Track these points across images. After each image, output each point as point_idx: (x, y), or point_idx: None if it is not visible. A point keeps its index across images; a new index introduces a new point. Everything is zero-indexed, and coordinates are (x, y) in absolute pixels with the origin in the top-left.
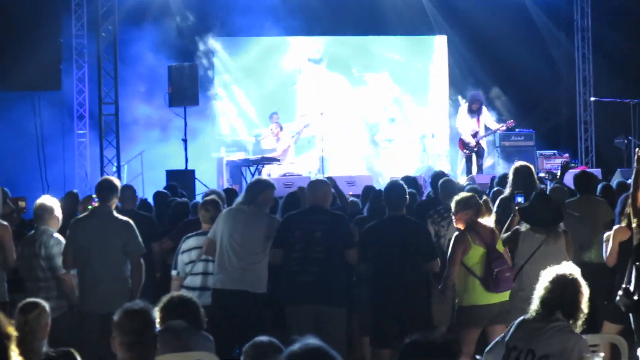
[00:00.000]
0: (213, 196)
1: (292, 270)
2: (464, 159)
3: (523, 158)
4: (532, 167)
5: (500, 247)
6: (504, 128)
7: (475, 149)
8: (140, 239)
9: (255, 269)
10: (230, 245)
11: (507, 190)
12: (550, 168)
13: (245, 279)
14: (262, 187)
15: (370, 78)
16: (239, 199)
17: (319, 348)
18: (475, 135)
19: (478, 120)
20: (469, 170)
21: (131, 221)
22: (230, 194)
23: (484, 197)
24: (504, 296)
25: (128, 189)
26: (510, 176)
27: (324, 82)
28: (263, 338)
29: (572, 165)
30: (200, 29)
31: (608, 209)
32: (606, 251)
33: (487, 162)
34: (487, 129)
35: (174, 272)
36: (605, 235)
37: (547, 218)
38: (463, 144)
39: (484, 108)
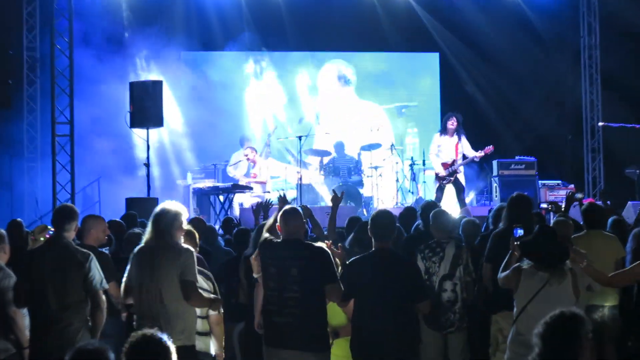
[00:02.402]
0: (189, 226)
1: (269, 309)
2: (436, 189)
3: (524, 189)
4: (531, 199)
5: None
6: (482, 155)
7: (451, 179)
8: (101, 273)
9: (180, 318)
10: (148, 291)
11: (500, 225)
12: (554, 199)
13: (181, 333)
14: (172, 217)
15: (354, 99)
16: (146, 234)
17: None
18: (452, 164)
19: (456, 147)
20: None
21: (92, 253)
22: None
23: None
24: None
25: (95, 221)
26: (506, 209)
27: (302, 102)
28: None
29: (579, 196)
30: (165, 42)
31: (619, 246)
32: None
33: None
34: (464, 157)
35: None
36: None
37: (551, 255)
38: (436, 172)
39: (463, 136)
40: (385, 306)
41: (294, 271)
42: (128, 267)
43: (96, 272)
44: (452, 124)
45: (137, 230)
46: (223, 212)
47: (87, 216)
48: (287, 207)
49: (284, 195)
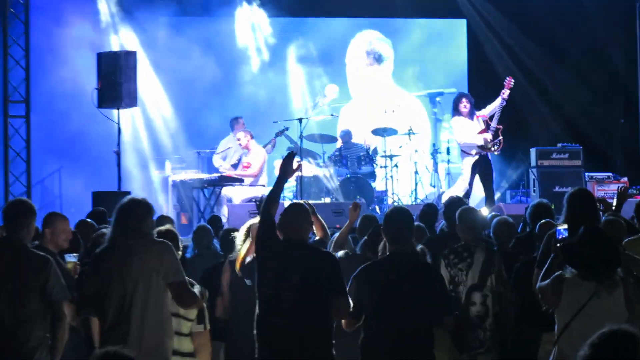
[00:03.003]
0: (168, 226)
1: (265, 320)
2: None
3: (568, 182)
4: (591, 193)
5: None
6: (506, 93)
7: (501, 139)
8: (63, 281)
9: (155, 333)
10: (116, 301)
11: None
12: (603, 195)
13: (153, 351)
14: (144, 211)
15: (366, 75)
16: (110, 233)
17: None
18: (487, 127)
19: (478, 120)
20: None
21: (51, 258)
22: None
23: None
24: None
25: (57, 221)
26: (566, 206)
27: (300, 76)
28: None
29: (633, 192)
30: (140, 5)
31: None
32: None
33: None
34: (491, 118)
35: None
36: None
37: (599, 261)
38: (479, 146)
39: (475, 112)
40: (401, 323)
41: (295, 278)
42: (88, 274)
43: (58, 279)
44: (464, 106)
45: (105, 230)
46: (208, 209)
47: (48, 214)
48: (292, 202)
49: (294, 151)
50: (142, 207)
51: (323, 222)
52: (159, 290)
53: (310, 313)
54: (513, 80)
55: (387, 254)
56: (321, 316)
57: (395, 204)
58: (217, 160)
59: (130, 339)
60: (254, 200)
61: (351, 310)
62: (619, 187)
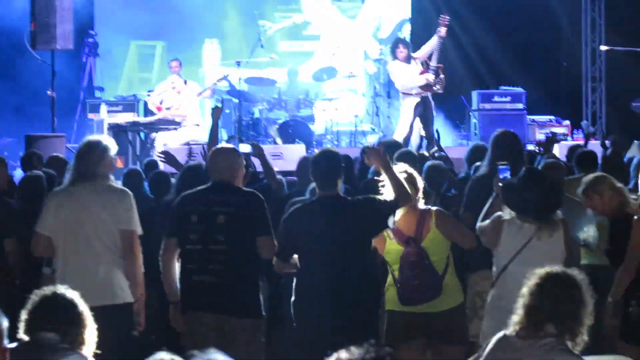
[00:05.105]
0: None
1: (189, 268)
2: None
3: (509, 126)
4: (518, 136)
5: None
6: (443, 31)
7: (442, 77)
8: None
9: (115, 272)
10: (75, 243)
11: (483, 167)
12: (544, 140)
13: (106, 289)
14: (100, 153)
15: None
16: (68, 175)
17: None
18: (427, 66)
19: (416, 62)
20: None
21: None
22: None
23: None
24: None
25: None
26: (490, 148)
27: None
28: (164, 355)
29: (561, 137)
30: None
31: None
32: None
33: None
34: (430, 58)
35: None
36: None
37: (539, 202)
38: (420, 87)
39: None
40: (335, 259)
41: (221, 218)
42: (43, 213)
43: None
44: (400, 51)
45: (33, 173)
46: (145, 153)
47: None
48: (221, 144)
49: (222, 104)
50: (99, 152)
51: (271, 165)
52: (114, 235)
53: (238, 254)
54: (448, 17)
55: (315, 197)
56: (249, 257)
57: (332, 147)
58: (151, 103)
59: (91, 281)
60: (191, 144)
61: (278, 250)
62: (546, 133)
